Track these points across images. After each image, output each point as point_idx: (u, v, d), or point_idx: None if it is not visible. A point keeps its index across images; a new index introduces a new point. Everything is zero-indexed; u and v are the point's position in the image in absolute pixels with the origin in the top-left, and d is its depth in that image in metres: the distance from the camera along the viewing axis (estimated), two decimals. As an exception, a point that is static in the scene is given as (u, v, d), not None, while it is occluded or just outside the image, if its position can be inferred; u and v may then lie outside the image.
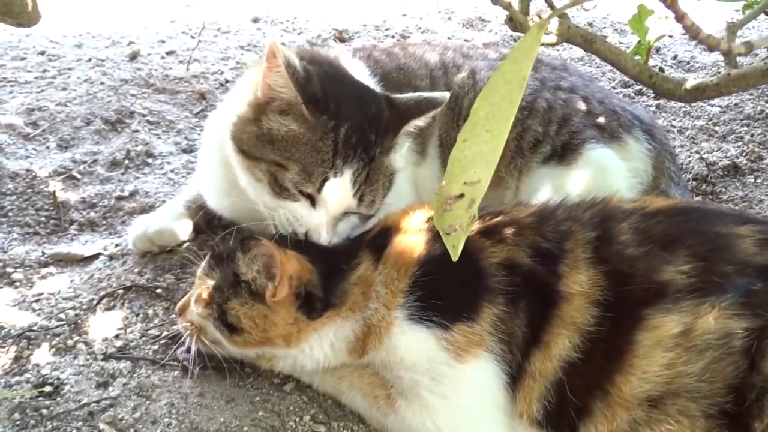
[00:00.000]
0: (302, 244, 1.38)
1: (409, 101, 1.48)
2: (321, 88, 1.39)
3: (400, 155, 1.53)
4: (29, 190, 1.96)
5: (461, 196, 0.71)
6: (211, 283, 1.33)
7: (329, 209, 1.41)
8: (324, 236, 1.41)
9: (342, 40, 3.18)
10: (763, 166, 2.22)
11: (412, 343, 1.24)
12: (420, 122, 1.49)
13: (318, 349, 1.31)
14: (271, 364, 1.37)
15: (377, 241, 1.36)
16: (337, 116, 1.39)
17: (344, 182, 1.39)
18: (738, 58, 2.40)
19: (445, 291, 1.25)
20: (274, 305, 1.27)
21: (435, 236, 1.30)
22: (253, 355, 1.36)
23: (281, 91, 1.38)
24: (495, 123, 0.70)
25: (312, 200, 1.40)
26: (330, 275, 1.31)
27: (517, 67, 0.70)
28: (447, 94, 1.50)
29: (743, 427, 1.07)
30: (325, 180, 1.37)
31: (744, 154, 2.28)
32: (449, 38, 3.24)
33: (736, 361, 1.09)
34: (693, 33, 0.74)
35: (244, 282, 1.29)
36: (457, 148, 0.70)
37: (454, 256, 0.75)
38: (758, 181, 2.16)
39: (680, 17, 0.73)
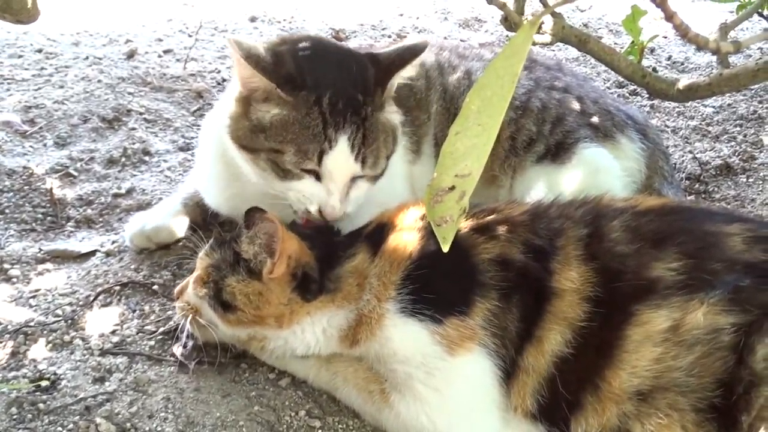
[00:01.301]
0: (303, 231, 1.40)
1: (392, 53, 1.50)
2: (295, 66, 1.41)
3: (397, 112, 1.54)
4: (26, 187, 1.97)
5: (452, 188, 0.73)
6: (210, 262, 1.35)
7: (335, 179, 1.42)
8: (337, 206, 1.42)
9: (339, 40, 3.19)
10: (755, 165, 2.24)
11: (404, 336, 1.25)
12: (406, 72, 1.49)
13: (310, 333, 1.33)
14: (262, 345, 1.38)
15: (374, 236, 1.37)
16: (317, 88, 1.40)
17: (342, 149, 1.39)
18: (731, 60, 2.42)
19: (437, 285, 1.26)
20: (270, 283, 1.29)
21: (429, 232, 1.31)
22: (245, 337, 1.37)
23: (253, 81, 1.40)
24: (487, 117, 0.71)
25: (316, 175, 1.42)
26: (327, 261, 1.34)
27: (509, 63, 0.71)
28: (427, 40, 1.51)
29: (731, 421, 1.08)
30: (321, 153, 1.38)
31: (737, 153, 2.30)
32: (445, 38, 3.25)
33: (725, 356, 1.11)
34: (682, 32, 0.76)
35: (244, 260, 1.32)
36: (449, 142, 0.71)
37: (445, 247, 0.77)
38: (750, 180, 2.18)
39: (669, 16, 0.74)
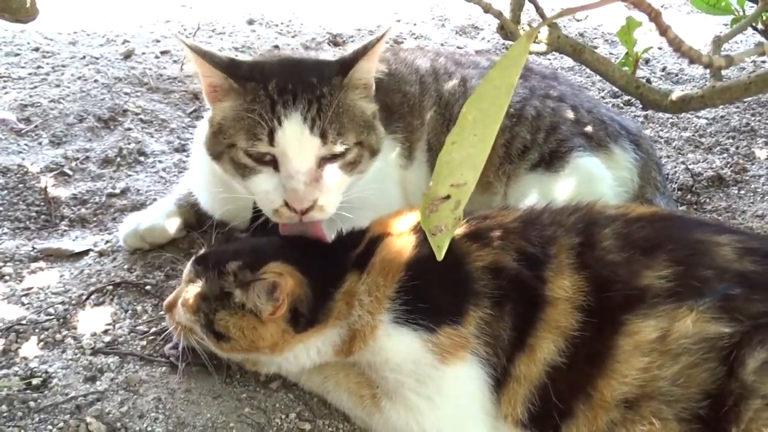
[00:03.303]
0: (295, 254, 1.35)
1: (355, 47, 1.50)
2: (248, 68, 1.46)
3: (367, 99, 1.52)
4: (20, 186, 1.97)
5: (448, 197, 0.73)
6: (196, 290, 1.31)
7: (293, 159, 1.37)
8: (300, 188, 1.36)
9: (336, 44, 3.21)
10: (747, 177, 2.26)
11: (397, 345, 1.25)
12: (374, 59, 1.47)
13: (304, 356, 1.32)
14: (256, 368, 1.39)
15: (364, 256, 1.34)
16: (265, 79, 1.42)
17: (295, 124, 1.37)
18: (724, 72, 2.44)
19: (431, 294, 1.26)
20: (267, 320, 1.27)
21: (421, 241, 1.31)
22: (239, 359, 1.38)
23: (211, 78, 1.44)
24: (483, 127, 0.72)
25: (274, 164, 1.39)
26: (318, 291, 1.30)
27: (505, 74, 0.72)
28: (389, 26, 1.51)
29: None
30: (272, 131, 1.37)
31: (729, 165, 2.32)
32: (442, 45, 3.27)
33: (713, 366, 1.12)
34: (676, 46, 0.77)
35: (235, 302, 1.27)
36: (446, 151, 0.72)
37: (439, 256, 0.77)
38: (742, 192, 2.20)
39: (663, 31, 0.75)
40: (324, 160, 1.41)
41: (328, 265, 1.35)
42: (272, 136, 1.37)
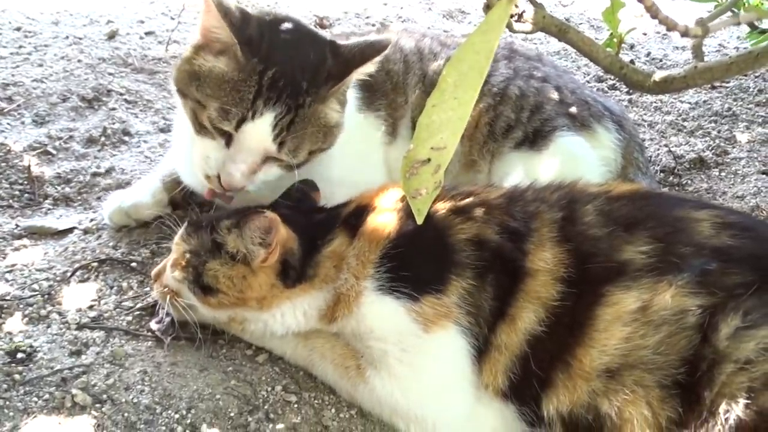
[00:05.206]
0: (286, 213, 1.39)
1: (354, 48, 1.49)
2: (258, 31, 1.43)
3: (344, 112, 1.53)
4: (3, 164, 1.95)
5: (428, 160, 0.74)
6: (187, 248, 1.35)
7: (245, 149, 1.41)
8: (236, 176, 1.42)
9: (323, 27, 3.20)
10: (728, 160, 2.30)
11: (381, 313, 1.27)
12: (367, 68, 1.49)
13: (290, 316, 1.35)
14: (242, 327, 1.40)
15: (352, 219, 1.39)
16: (267, 60, 1.40)
17: (263, 125, 1.40)
18: (707, 58, 2.46)
19: (414, 264, 1.28)
20: (257, 269, 1.30)
21: (407, 213, 1.33)
22: (225, 318, 1.39)
23: (216, 32, 1.41)
24: (463, 91, 0.73)
25: (228, 140, 1.42)
26: (307, 247, 1.34)
27: (485, 38, 0.73)
28: (390, 39, 1.51)
29: (695, 397, 1.12)
30: (243, 119, 1.39)
31: (710, 148, 2.36)
32: (429, 28, 3.27)
33: (690, 335, 1.15)
34: (652, 13, 0.79)
35: (227, 251, 1.32)
36: (426, 114, 0.73)
37: (419, 219, 0.78)
38: (723, 174, 2.23)
39: (641, -3, 0.77)
40: (270, 158, 1.45)
41: (317, 224, 1.40)
42: (240, 124, 1.39)
